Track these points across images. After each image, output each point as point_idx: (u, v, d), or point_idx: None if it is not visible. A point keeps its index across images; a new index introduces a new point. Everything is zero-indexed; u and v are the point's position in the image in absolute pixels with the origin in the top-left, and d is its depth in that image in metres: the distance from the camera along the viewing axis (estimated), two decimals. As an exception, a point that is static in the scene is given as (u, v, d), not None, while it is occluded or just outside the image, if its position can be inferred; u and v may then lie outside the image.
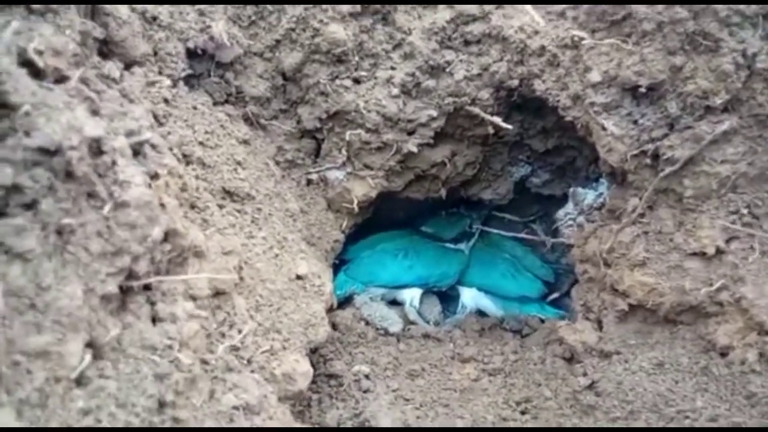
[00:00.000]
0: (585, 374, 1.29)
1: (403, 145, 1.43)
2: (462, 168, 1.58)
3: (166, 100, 1.14)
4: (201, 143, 1.17)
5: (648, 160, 1.21)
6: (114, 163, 0.73)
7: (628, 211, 1.26)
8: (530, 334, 1.70)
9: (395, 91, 1.36)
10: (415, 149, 1.43)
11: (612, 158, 1.24)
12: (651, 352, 1.20)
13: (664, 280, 1.18)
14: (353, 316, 1.59)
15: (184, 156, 1.10)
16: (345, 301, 1.71)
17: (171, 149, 1.00)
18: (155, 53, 1.13)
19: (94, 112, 0.76)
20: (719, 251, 1.12)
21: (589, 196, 1.52)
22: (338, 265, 1.76)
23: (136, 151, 0.81)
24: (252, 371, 1.00)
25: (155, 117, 1.08)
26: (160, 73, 1.14)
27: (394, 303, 1.81)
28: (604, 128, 1.24)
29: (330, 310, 1.35)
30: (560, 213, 1.61)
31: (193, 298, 0.91)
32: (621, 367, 1.21)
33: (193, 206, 1.02)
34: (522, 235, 1.83)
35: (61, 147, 0.62)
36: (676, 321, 1.20)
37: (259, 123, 1.38)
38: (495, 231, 1.86)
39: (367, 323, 1.64)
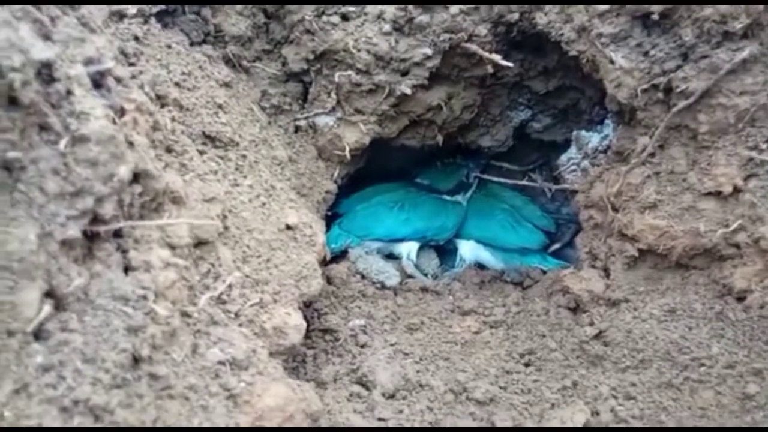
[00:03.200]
0: (592, 324, 1.24)
1: (396, 87, 1.34)
2: (459, 112, 1.49)
3: (136, 38, 1.04)
4: (177, 84, 1.08)
5: (660, 95, 1.12)
6: (69, 92, 0.64)
7: (638, 151, 1.18)
8: (532, 286, 1.65)
9: (386, 27, 1.26)
10: (408, 91, 1.34)
11: (621, 94, 1.15)
12: (662, 298, 1.14)
13: (676, 222, 1.11)
14: (348, 270, 1.52)
15: (159, 97, 1.01)
16: (339, 255, 1.64)
17: (142, 88, 0.91)
18: (121, -16, 1.03)
19: (45, 37, 0.67)
20: (736, 190, 1.05)
21: (593, 138, 1.44)
22: (332, 218, 1.69)
23: (98, 83, 0.72)
24: (240, 325, 0.93)
25: (124, 54, 0.99)
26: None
27: (390, 257, 1.74)
28: (612, 61, 1.15)
29: (323, 262, 1.28)
30: (563, 158, 1.53)
31: (172, 247, 0.83)
32: (630, 315, 1.15)
33: (169, 149, 0.93)
34: (522, 182, 1.75)
35: (-1, 68, 0.53)
36: (688, 266, 1.14)
37: (240, 65, 1.29)
38: (494, 179, 1.77)
39: (363, 277, 1.57)
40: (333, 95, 1.35)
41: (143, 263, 0.72)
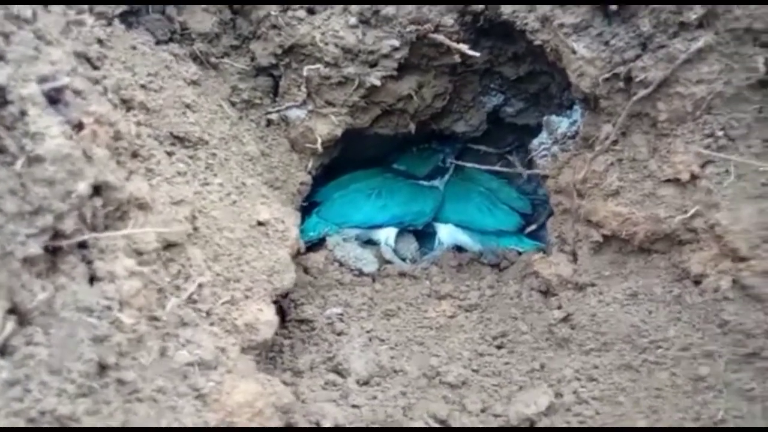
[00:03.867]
0: (560, 307, 1.28)
1: (365, 79, 1.35)
2: (430, 100, 1.51)
3: (99, 41, 1.04)
4: (143, 86, 1.09)
5: (621, 84, 1.14)
6: (23, 113, 0.66)
7: (601, 139, 1.21)
8: (508, 268, 1.68)
9: (353, 20, 1.27)
10: (378, 82, 1.35)
11: (583, 83, 1.17)
12: (625, 282, 1.18)
13: (638, 209, 1.14)
14: (326, 258, 1.55)
15: (124, 101, 1.02)
16: (318, 243, 1.67)
17: (105, 94, 0.92)
18: (82, -13, 1.03)
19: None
20: (693, 177, 1.08)
21: (563, 124, 1.46)
22: (309, 207, 1.71)
23: (54, 99, 0.73)
24: (211, 324, 0.96)
25: (88, 60, 1.00)
26: (90, 11, 1.04)
27: (369, 243, 1.77)
28: (574, 51, 1.16)
29: (297, 254, 1.31)
30: (534, 143, 1.55)
31: (139, 253, 0.86)
32: (595, 299, 1.19)
33: (135, 155, 0.95)
34: (495, 168, 1.78)
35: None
36: (650, 250, 1.17)
37: (209, 62, 1.29)
38: (468, 165, 1.80)
39: (341, 264, 1.61)
40: (303, 88, 1.36)
41: (108, 274, 0.75)
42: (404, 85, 1.43)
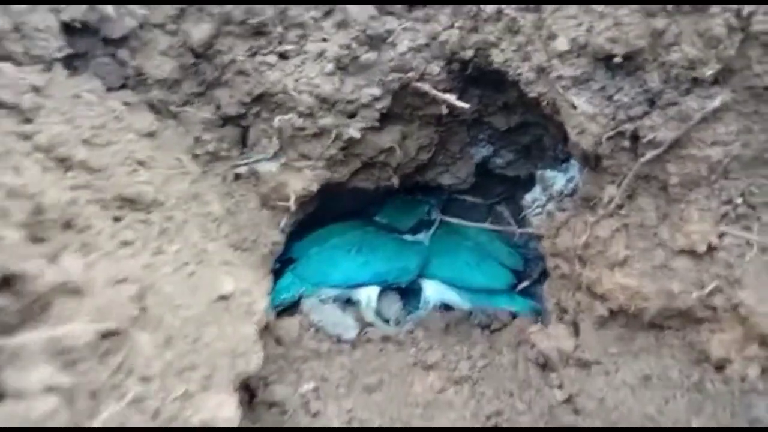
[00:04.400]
0: (561, 386, 1.14)
1: (344, 131, 1.22)
2: (415, 152, 1.39)
3: (35, 89, 0.91)
4: (85, 141, 0.94)
5: (626, 143, 1.03)
6: None
7: (605, 202, 1.09)
8: (500, 329, 1.55)
9: (329, 67, 1.15)
10: (358, 135, 1.23)
11: (584, 141, 1.06)
12: (635, 362, 1.04)
13: (648, 281, 1.02)
14: (300, 324, 1.40)
15: (61, 160, 0.88)
16: (292, 305, 1.51)
17: (31, 153, 0.78)
18: (16, 29, 0.90)
19: None
20: (711, 248, 0.96)
21: (558, 180, 1.34)
22: (284, 264, 1.56)
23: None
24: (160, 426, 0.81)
25: (19, 111, 0.86)
26: (25, 53, 0.90)
27: (349, 302, 1.62)
28: (573, 106, 1.05)
29: (266, 328, 1.16)
30: (527, 199, 1.43)
31: (65, 352, 0.70)
32: (602, 381, 1.06)
33: (67, 226, 0.80)
34: (486, 225, 1.65)
35: None
36: (663, 326, 1.04)
37: (168, 110, 1.16)
38: (456, 221, 1.67)
39: (318, 330, 1.45)
40: (274, 140, 1.23)
41: (16, 391, 0.59)
42: (386, 136, 1.30)
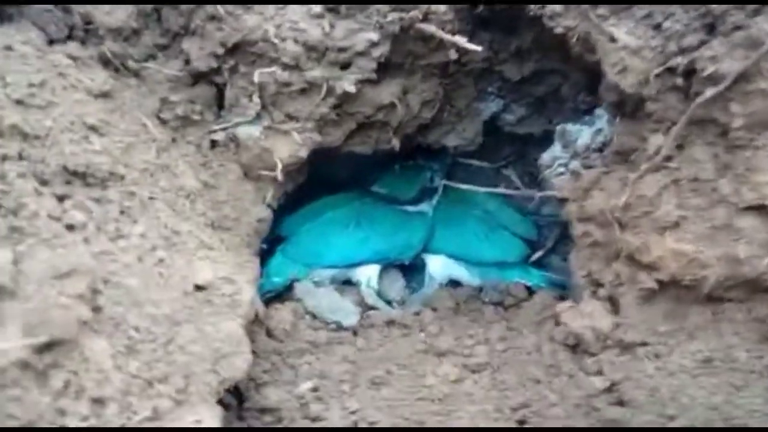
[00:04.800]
0: (600, 372, 0.98)
1: (336, 84, 1.04)
2: (417, 109, 1.20)
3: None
4: (19, 102, 0.76)
5: (678, 80, 0.86)
6: None
7: (649, 154, 0.92)
8: (516, 307, 1.39)
9: (317, 8, 0.96)
10: (352, 89, 1.04)
11: (626, 81, 0.89)
12: (691, 343, 0.89)
13: (707, 246, 0.85)
14: (294, 313, 1.23)
15: (-17, 126, 0.69)
16: (284, 291, 1.34)
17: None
18: None
19: None
20: (786, 202, 0.80)
21: (583, 134, 1.17)
22: (272, 244, 1.39)
23: None
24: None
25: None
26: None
27: (347, 284, 1.46)
28: (612, 39, 0.88)
29: (254, 321, 0.99)
30: (545, 157, 1.26)
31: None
32: (652, 366, 0.90)
33: (-9, 209, 0.62)
34: (501, 190, 1.47)
35: None
36: (723, 298, 0.89)
37: (126, 67, 0.97)
38: (465, 187, 1.48)
39: (314, 317, 1.29)
40: (255, 98, 1.04)
41: None
42: (385, 90, 1.12)
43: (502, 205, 1.60)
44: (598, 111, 1.17)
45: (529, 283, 1.44)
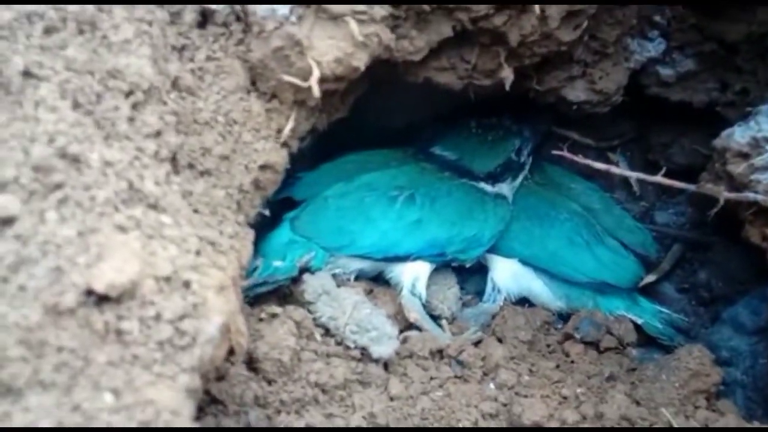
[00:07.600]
0: None
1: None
2: (557, 23, 0.71)
3: None
4: None
5: None
6: None
7: None
8: (614, 351, 0.95)
9: None
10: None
11: None
12: None
13: None
14: (298, 329, 0.74)
15: None
16: (287, 285, 0.86)
17: None
18: None
19: None
20: None
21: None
22: (279, 208, 0.91)
23: None
24: None
25: None
26: None
27: (376, 280, 0.99)
28: None
29: (230, 354, 0.51)
30: (738, 138, 0.77)
31: None
32: None
33: None
34: (657, 178, 0.93)
35: None
36: None
37: None
38: (582, 161, 0.96)
39: (329, 333, 0.81)
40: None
41: None
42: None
43: (611, 204, 1.14)
44: None
45: (638, 320, 1.01)
